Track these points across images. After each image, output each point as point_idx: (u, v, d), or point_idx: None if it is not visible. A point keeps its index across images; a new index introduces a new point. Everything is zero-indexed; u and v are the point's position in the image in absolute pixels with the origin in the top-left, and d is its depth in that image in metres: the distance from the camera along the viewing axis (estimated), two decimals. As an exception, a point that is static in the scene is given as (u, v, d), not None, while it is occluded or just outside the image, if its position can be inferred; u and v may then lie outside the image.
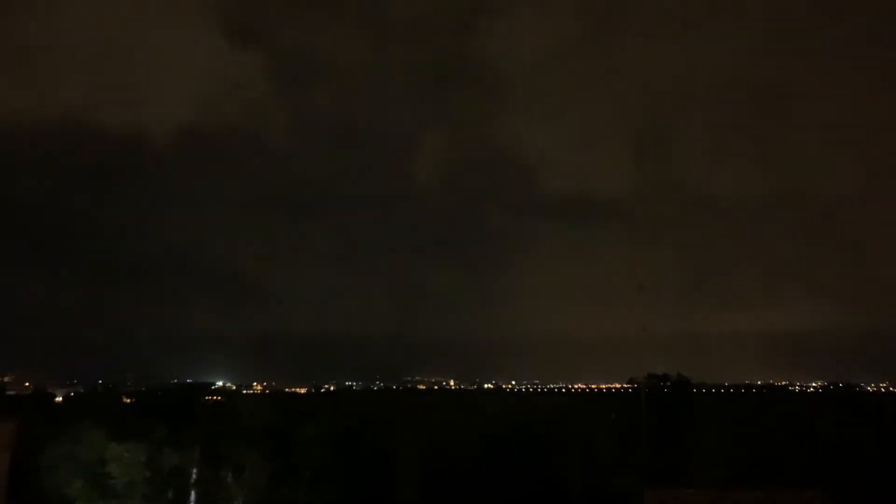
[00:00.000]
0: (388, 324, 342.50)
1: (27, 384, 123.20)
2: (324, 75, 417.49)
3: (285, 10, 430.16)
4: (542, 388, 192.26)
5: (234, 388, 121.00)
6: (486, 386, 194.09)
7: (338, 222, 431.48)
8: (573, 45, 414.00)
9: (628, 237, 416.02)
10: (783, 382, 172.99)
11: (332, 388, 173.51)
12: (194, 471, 40.15)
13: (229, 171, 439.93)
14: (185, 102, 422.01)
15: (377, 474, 44.06)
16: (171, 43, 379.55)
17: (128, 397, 67.00)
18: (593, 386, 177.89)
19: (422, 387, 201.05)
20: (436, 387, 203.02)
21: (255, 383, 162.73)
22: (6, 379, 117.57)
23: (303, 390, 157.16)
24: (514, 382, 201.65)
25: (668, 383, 52.76)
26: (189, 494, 40.12)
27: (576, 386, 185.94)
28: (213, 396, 55.74)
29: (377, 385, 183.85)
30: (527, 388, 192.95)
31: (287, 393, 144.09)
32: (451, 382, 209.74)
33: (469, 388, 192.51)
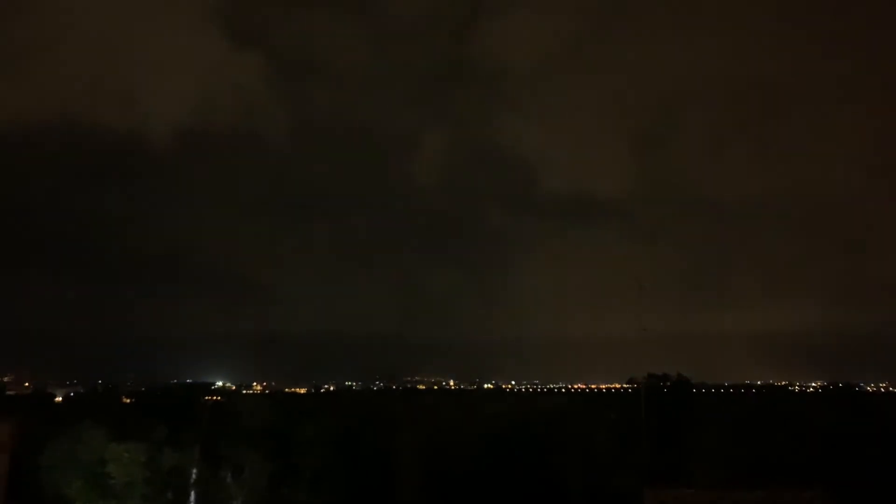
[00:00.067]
0: (388, 324, 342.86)
1: (27, 384, 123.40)
2: (324, 75, 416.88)
3: (285, 10, 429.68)
4: (542, 388, 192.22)
5: (234, 388, 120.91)
6: (486, 386, 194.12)
7: (338, 222, 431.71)
8: (573, 45, 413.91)
9: (628, 237, 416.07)
10: (783, 382, 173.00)
11: (332, 388, 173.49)
12: (194, 471, 40.15)
13: (229, 171, 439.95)
14: (185, 102, 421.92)
15: (377, 474, 44.05)
16: (170, 43, 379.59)
17: (128, 397, 66.95)
18: (593, 386, 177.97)
19: (422, 387, 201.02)
20: (436, 387, 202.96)
21: (255, 383, 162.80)
22: (6, 379, 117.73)
23: (303, 390, 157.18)
24: (514, 382, 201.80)
25: (668, 383, 52.76)
26: (189, 494, 40.11)
27: (576, 386, 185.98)
28: (213, 396, 55.71)
29: (377, 385, 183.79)
30: (527, 388, 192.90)
31: (287, 393, 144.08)
32: (451, 382, 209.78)
33: (469, 388, 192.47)
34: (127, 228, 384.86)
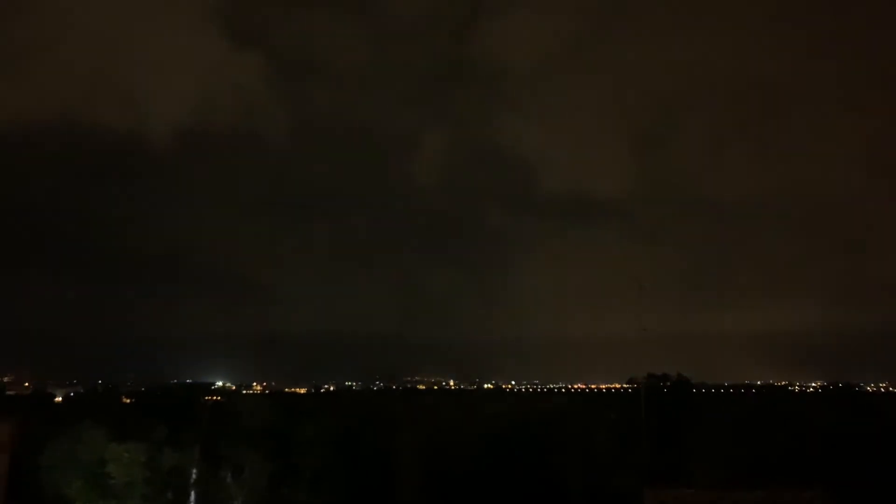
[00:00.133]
0: (388, 324, 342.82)
1: (27, 384, 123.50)
2: (324, 75, 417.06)
3: (285, 10, 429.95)
4: (542, 388, 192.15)
5: (234, 388, 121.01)
6: (486, 386, 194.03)
7: (338, 222, 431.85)
8: (573, 45, 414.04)
9: (628, 237, 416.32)
10: (783, 382, 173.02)
11: (332, 388, 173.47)
12: (194, 471, 40.14)
13: (229, 171, 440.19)
14: (185, 102, 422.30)
15: (377, 474, 44.03)
16: (170, 43, 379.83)
17: (128, 397, 66.91)
18: (593, 386, 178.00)
19: (422, 387, 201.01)
20: (436, 387, 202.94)
21: (254, 383, 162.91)
22: (6, 379, 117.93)
23: (303, 390, 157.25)
24: (514, 382, 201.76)
25: (668, 383, 52.73)
26: (189, 494, 40.10)
27: (576, 386, 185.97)
28: (212, 396, 55.73)
29: (377, 385, 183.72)
30: (527, 388, 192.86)
31: (287, 393, 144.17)
32: (451, 382, 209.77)
33: (469, 388, 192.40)
34: (127, 228, 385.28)
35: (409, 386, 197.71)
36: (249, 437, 40.85)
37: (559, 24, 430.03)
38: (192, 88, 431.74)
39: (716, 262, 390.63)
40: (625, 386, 72.38)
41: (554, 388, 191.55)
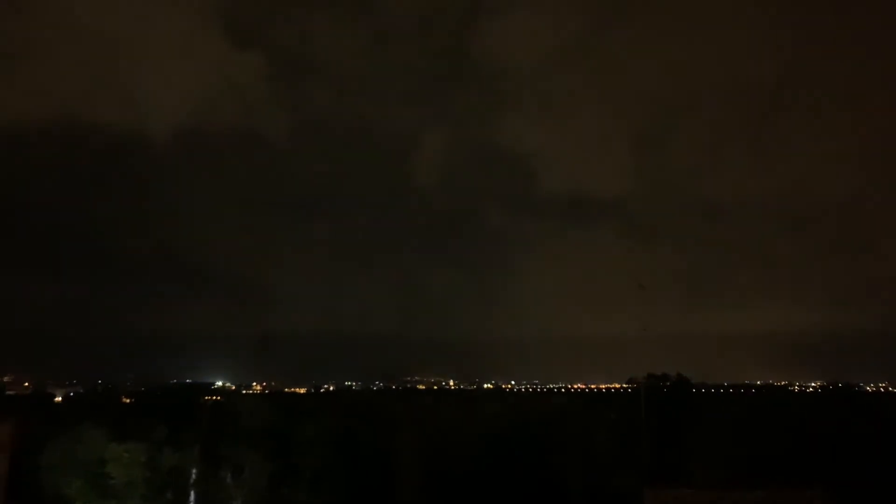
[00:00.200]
0: (388, 324, 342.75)
1: (26, 384, 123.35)
2: (324, 75, 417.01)
3: (285, 10, 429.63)
4: (542, 388, 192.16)
5: (234, 388, 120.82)
6: (485, 386, 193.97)
7: (338, 222, 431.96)
8: (573, 45, 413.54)
9: (628, 237, 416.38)
10: (783, 382, 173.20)
11: (331, 388, 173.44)
12: (194, 471, 40.14)
13: (229, 171, 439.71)
14: (185, 102, 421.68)
15: (377, 474, 44.02)
16: (170, 43, 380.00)
17: (127, 397, 66.90)
18: (593, 386, 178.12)
19: (422, 387, 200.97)
20: (436, 387, 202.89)
21: (254, 383, 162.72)
22: (5, 379, 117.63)
23: (302, 390, 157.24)
24: (513, 382, 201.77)
25: (668, 383, 52.73)
26: (189, 494, 40.10)
27: (576, 386, 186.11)
28: (212, 396, 55.71)
29: (377, 385, 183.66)
30: (527, 388, 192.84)
31: (287, 393, 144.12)
32: (451, 382, 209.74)
33: (469, 388, 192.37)
34: (127, 228, 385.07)
35: (408, 386, 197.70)
36: (249, 437, 40.84)
37: (559, 24, 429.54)
38: (192, 88, 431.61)
39: (716, 262, 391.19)
40: (625, 386, 72.33)
41: (554, 388, 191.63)
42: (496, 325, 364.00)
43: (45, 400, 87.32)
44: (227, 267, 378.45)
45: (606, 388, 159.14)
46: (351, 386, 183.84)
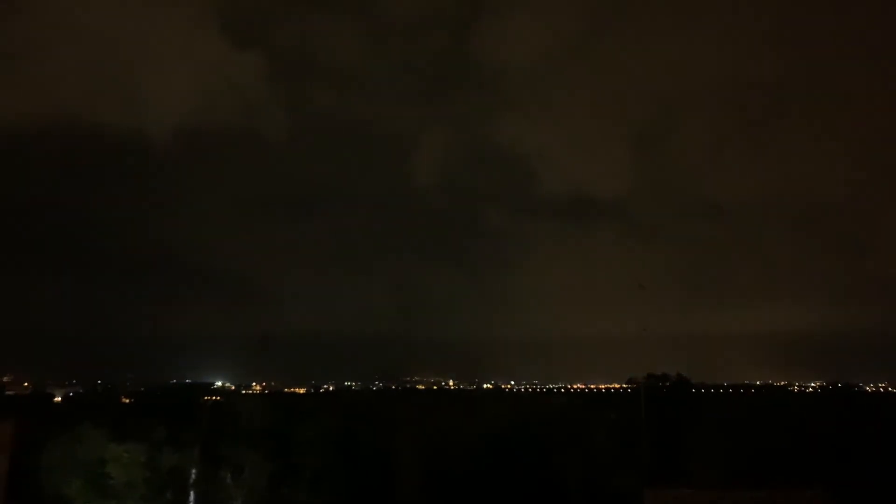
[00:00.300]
0: (388, 324, 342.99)
1: (26, 384, 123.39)
2: (324, 75, 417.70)
3: (285, 10, 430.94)
4: (541, 388, 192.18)
5: (234, 388, 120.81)
6: (485, 386, 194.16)
7: (337, 222, 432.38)
8: (573, 46, 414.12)
9: (628, 237, 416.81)
10: (783, 382, 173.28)
11: (331, 388, 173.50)
12: (194, 471, 40.11)
13: (229, 170, 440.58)
14: (185, 102, 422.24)
15: (377, 474, 44.00)
16: (170, 43, 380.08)
17: (127, 397, 67.00)
18: (593, 386, 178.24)
19: (421, 387, 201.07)
20: (435, 387, 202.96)
21: (254, 383, 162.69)
22: (5, 379, 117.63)
23: (302, 390, 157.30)
24: (513, 382, 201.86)
25: (668, 383, 52.76)
26: (188, 495, 40.07)
27: (576, 386, 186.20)
28: (212, 396, 55.72)
29: (377, 385, 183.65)
30: (526, 388, 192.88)
31: (287, 393, 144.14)
32: (451, 382, 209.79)
33: (469, 388, 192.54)
34: (127, 228, 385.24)
35: (408, 386, 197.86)
36: (249, 437, 40.82)
37: (559, 23, 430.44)
38: (192, 88, 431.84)
39: (716, 262, 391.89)
40: (624, 386, 72.45)
41: (554, 388, 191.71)
42: (496, 325, 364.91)
43: (45, 400, 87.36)
44: (227, 267, 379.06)
45: (606, 388, 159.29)
46: (350, 386, 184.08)
